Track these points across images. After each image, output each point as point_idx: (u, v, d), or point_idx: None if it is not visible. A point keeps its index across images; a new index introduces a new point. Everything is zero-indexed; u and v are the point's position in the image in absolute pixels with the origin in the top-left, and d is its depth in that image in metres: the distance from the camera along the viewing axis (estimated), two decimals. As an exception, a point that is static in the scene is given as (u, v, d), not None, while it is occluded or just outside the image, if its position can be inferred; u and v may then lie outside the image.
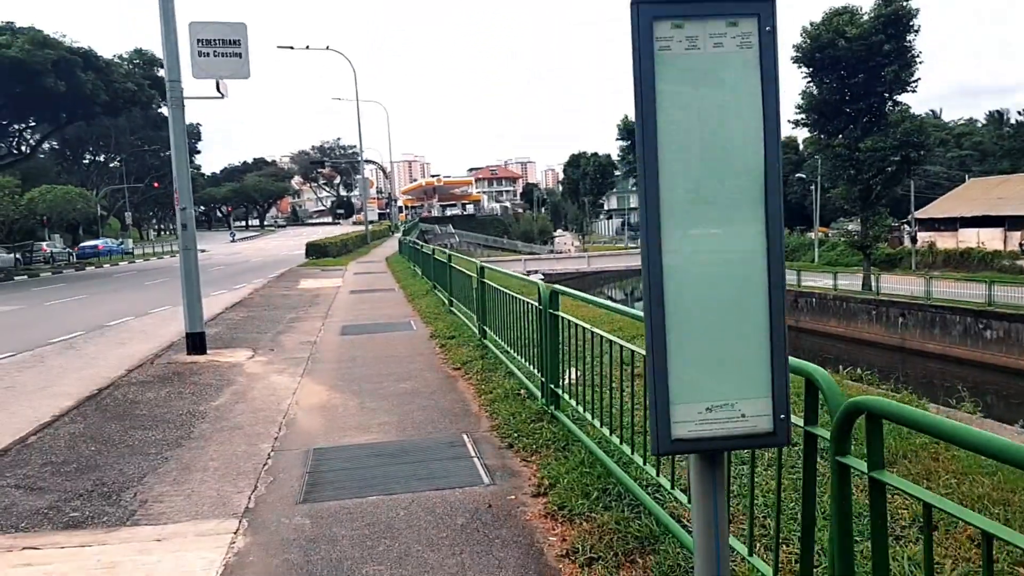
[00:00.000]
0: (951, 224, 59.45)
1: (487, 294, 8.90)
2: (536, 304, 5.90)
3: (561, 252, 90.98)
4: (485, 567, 3.68)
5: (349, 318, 13.90)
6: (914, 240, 57.73)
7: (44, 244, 50.30)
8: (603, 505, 4.12)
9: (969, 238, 56.75)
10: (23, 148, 46.43)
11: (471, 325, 10.37)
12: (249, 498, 4.73)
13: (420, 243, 22.57)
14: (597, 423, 4.70)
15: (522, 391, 6.69)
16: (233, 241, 77.27)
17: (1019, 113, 79.33)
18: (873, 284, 41.03)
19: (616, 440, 4.39)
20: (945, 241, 57.49)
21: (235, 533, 4.20)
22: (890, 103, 41.43)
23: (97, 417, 6.93)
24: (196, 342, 10.11)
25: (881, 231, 44.82)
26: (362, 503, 4.56)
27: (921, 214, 59.22)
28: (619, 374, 4.49)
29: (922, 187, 62.92)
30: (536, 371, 6.20)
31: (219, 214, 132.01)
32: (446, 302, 13.39)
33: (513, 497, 4.55)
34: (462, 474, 5.03)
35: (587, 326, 4.94)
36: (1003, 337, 31.66)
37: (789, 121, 44.45)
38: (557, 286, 5.44)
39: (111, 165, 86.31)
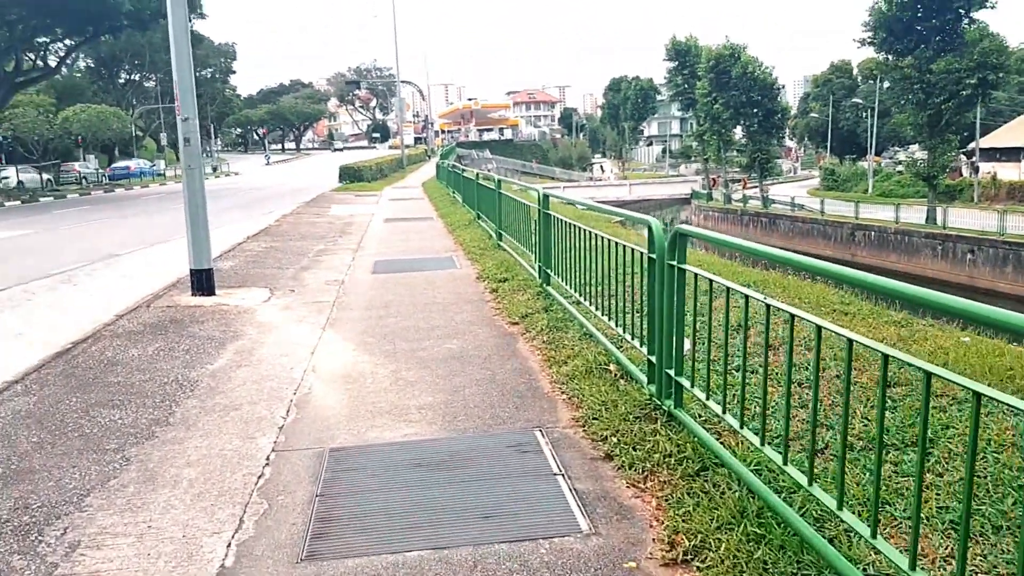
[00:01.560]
0: (1014, 154, 55.61)
1: (553, 230, 7.11)
2: (645, 252, 4.13)
3: (600, 179, 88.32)
4: None
5: (383, 251, 12.25)
6: (976, 171, 54.10)
7: (76, 164, 49.34)
8: (805, 612, 2.44)
9: (1032, 169, 53.05)
10: (49, 62, 44.76)
11: (528, 267, 8.63)
12: (228, 546, 3.14)
13: (460, 167, 20.68)
14: (774, 453, 2.96)
15: (612, 366, 4.97)
16: (268, 164, 75.92)
17: (1089, 36, 73.74)
18: (939, 217, 38.23)
19: (799, 475, 2.70)
20: (1007, 172, 53.82)
21: (195, 625, 2.62)
22: (966, 20, 37.88)
23: (58, 386, 5.40)
24: (202, 281, 8.54)
25: (949, 160, 41.68)
26: (396, 567, 2.94)
27: (982, 143, 55.35)
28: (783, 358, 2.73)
29: (982, 115, 58.77)
30: (639, 345, 4.46)
31: (255, 136, 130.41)
32: (493, 235, 11.64)
33: (634, 565, 2.89)
34: (544, 508, 3.38)
35: (743, 289, 3.18)
36: (1085, 279, 29.14)
37: (855, 40, 41.28)
38: (684, 227, 3.65)
39: (147, 85, 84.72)
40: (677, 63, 62.34)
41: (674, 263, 3.72)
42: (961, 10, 36.44)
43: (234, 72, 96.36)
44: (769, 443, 3.06)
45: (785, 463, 2.80)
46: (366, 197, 26.19)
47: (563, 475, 3.68)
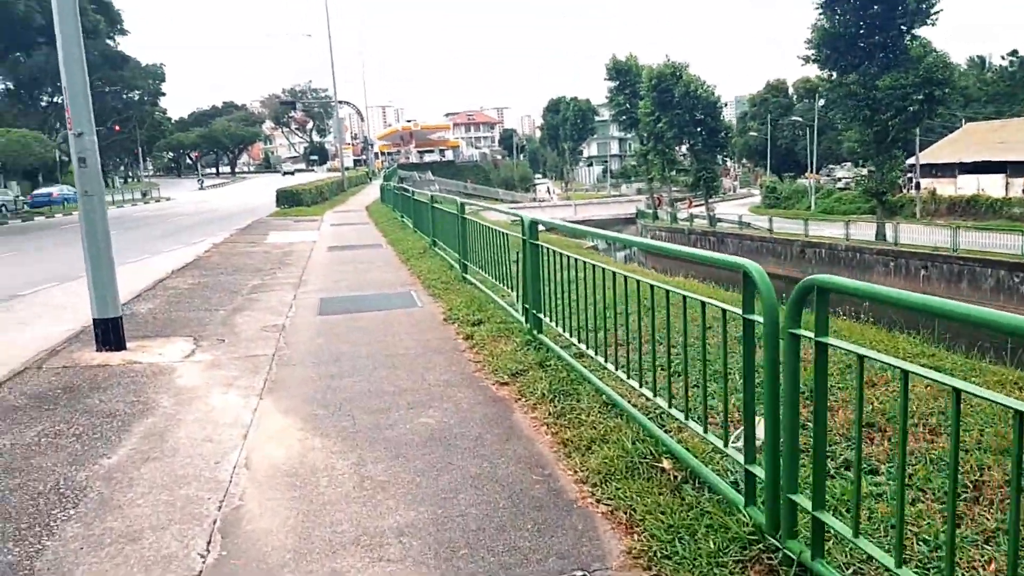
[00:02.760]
0: (949, 170, 56.93)
1: (545, 267, 5.80)
2: (733, 310, 2.86)
3: (544, 200, 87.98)
4: None
5: (329, 286, 10.75)
6: (917, 187, 55.10)
7: (-8, 193, 46.11)
8: None
9: (968, 184, 54.31)
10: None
11: (506, 306, 7.32)
12: None
13: (410, 190, 19.23)
14: None
15: (665, 462, 3.64)
16: (201, 188, 73.10)
17: (1002, 58, 76.90)
18: (889, 234, 38.37)
19: None
20: (944, 188, 55.01)
21: None
22: (908, 36, 38.42)
23: None
24: (109, 333, 6.94)
25: (897, 176, 42.13)
26: None
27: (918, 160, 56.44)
28: None
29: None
30: (724, 445, 3.14)
31: (188, 160, 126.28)
32: (456, 266, 10.28)
33: None
34: None
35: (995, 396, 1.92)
36: (1044, 293, 29.11)
37: (799, 57, 41.43)
38: (823, 277, 2.38)
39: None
40: (618, 83, 62.23)
41: (803, 333, 2.44)
42: (903, 26, 36.90)
43: (164, 94, 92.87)
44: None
45: None
46: (306, 222, 24.51)
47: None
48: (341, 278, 11.45)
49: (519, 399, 5.07)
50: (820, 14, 39.59)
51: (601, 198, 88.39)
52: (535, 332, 6.13)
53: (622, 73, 62.02)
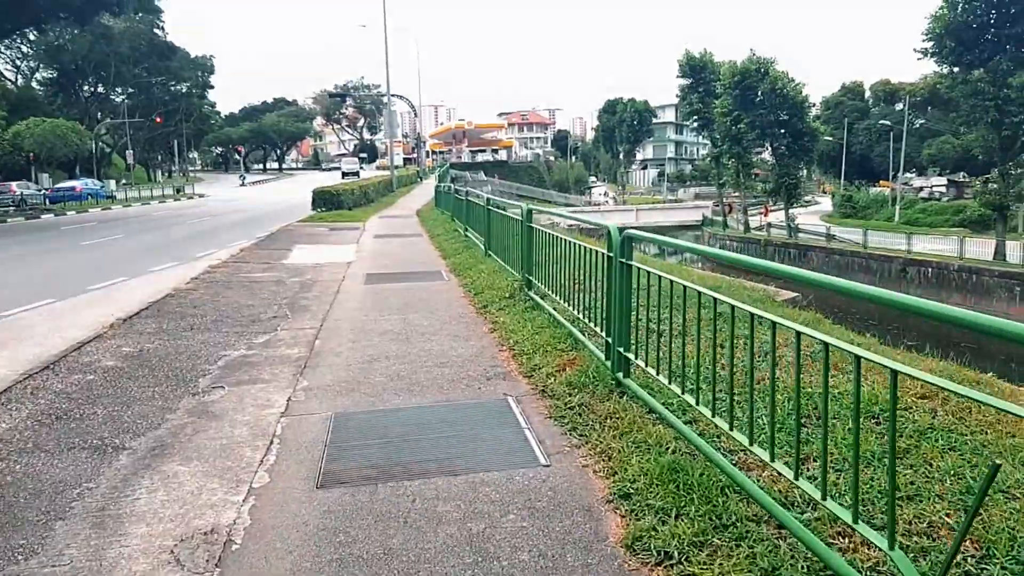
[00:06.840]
0: (1051, 180, 49.75)
1: None
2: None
3: (599, 204, 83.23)
4: None
5: (355, 373, 5.96)
6: (1022, 198, 48.17)
7: (13, 184, 42.72)
8: None
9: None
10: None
11: (813, 539, 2.47)
12: None
13: (484, 197, 14.16)
14: None
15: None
16: (243, 185, 69.58)
17: None
18: (1016, 254, 32.62)
19: None
20: (1046, 200, 48.11)
21: None
22: (1048, 27, 32.55)
23: None
24: None
25: (1025, 187, 36.03)
26: None
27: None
28: None
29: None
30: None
31: (237, 156, 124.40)
32: (595, 350, 5.43)
33: None
34: None
35: None
36: None
37: (916, 50, 35.75)
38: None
39: (117, 99, 79.22)
40: (691, 80, 56.96)
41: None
42: (1043, 14, 31.33)
43: (212, 87, 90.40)
44: None
45: None
46: (344, 231, 19.93)
47: None
48: (379, 351, 6.70)
49: None
50: (943, 1, 34.24)
51: (662, 203, 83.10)
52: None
53: (696, 70, 56.85)
